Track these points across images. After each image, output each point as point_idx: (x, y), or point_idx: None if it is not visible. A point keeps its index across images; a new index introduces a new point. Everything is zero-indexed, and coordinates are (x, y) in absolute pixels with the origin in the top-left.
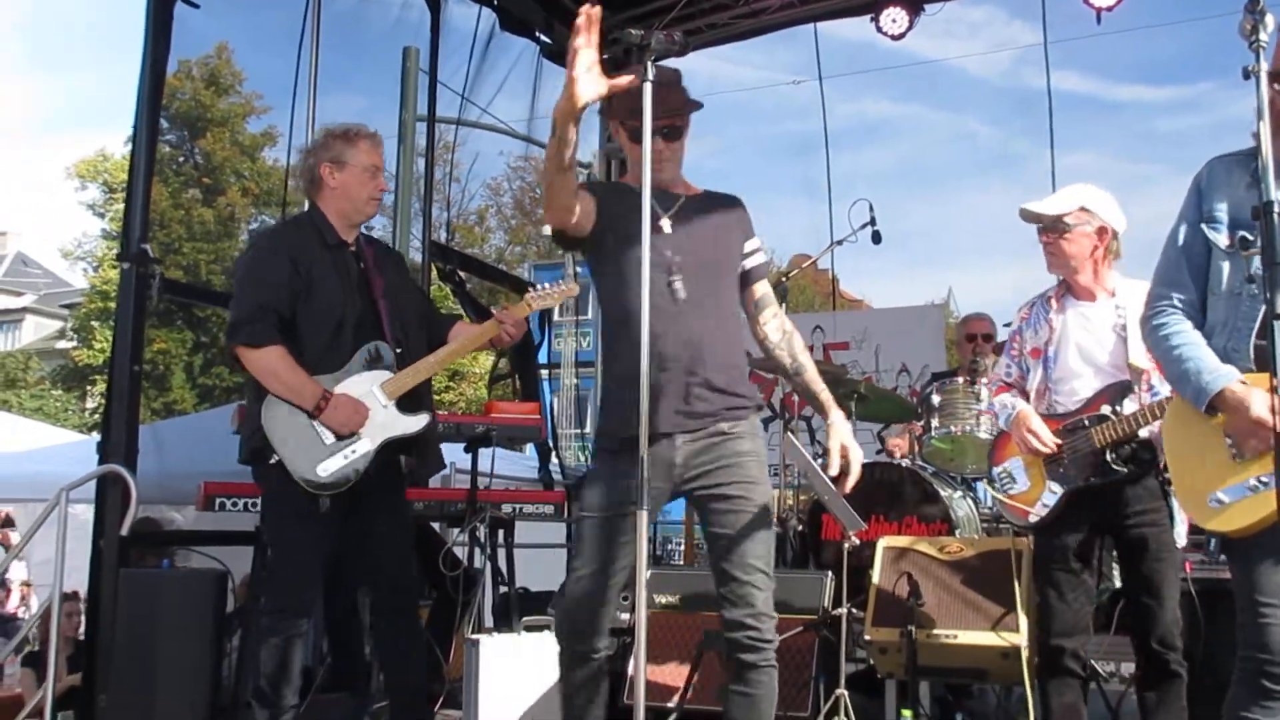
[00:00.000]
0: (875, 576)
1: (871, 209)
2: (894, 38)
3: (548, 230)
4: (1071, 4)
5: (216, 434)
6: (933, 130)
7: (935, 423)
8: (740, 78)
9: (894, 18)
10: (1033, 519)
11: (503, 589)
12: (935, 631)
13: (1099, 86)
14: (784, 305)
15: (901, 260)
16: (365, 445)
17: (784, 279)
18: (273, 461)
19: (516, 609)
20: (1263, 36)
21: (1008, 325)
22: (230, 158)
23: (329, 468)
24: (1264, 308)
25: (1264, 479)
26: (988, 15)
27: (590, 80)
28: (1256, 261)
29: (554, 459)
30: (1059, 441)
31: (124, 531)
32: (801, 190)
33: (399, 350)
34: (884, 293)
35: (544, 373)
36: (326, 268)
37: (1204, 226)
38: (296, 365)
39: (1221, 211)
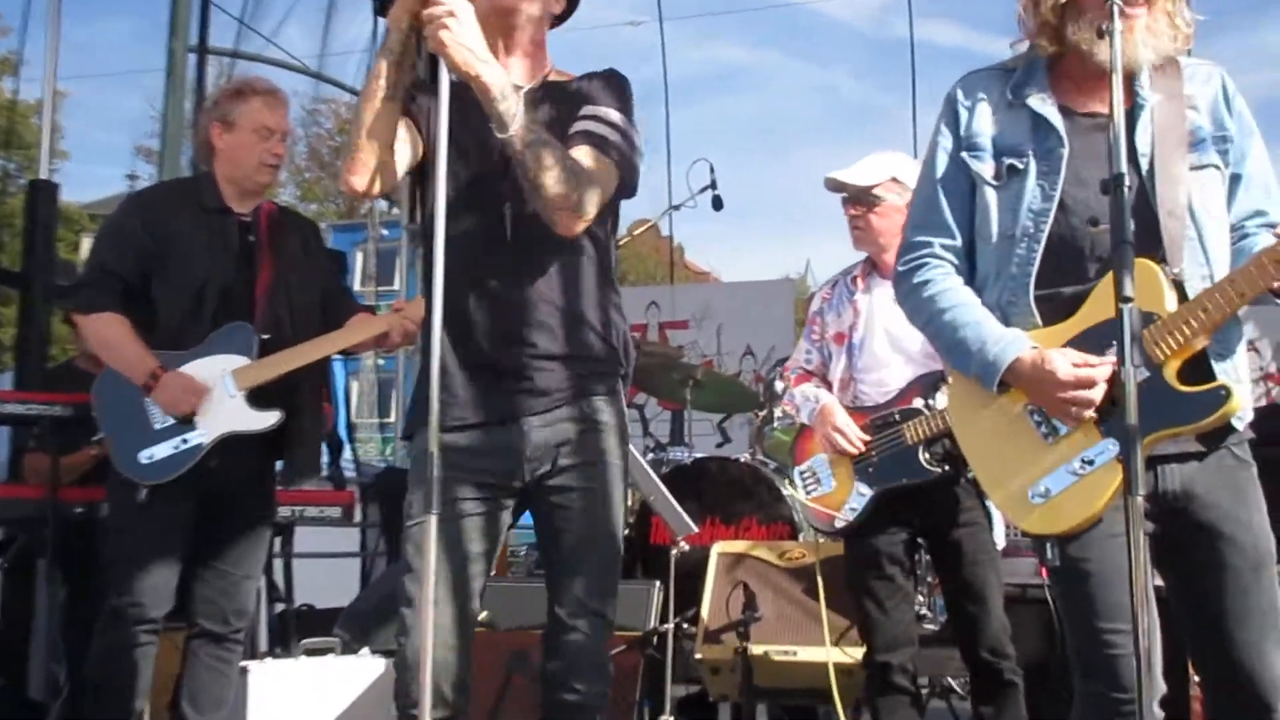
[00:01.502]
0: (708, 587)
1: (712, 170)
2: None
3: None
4: None
5: None
6: (791, 82)
7: (778, 412)
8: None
9: None
10: (838, 523)
11: (279, 606)
12: (773, 648)
13: (970, 38)
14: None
15: (755, 228)
16: (199, 436)
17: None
18: (95, 439)
19: (295, 629)
20: (1118, 2)
21: None
22: None
23: (154, 455)
24: (1056, 253)
25: (1089, 456)
26: None
27: None
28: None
29: (346, 453)
30: (867, 439)
31: None
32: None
33: (267, 336)
34: (735, 265)
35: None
36: (196, 234)
37: (964, 155)
38: (133, 336)
39: (983, 136)
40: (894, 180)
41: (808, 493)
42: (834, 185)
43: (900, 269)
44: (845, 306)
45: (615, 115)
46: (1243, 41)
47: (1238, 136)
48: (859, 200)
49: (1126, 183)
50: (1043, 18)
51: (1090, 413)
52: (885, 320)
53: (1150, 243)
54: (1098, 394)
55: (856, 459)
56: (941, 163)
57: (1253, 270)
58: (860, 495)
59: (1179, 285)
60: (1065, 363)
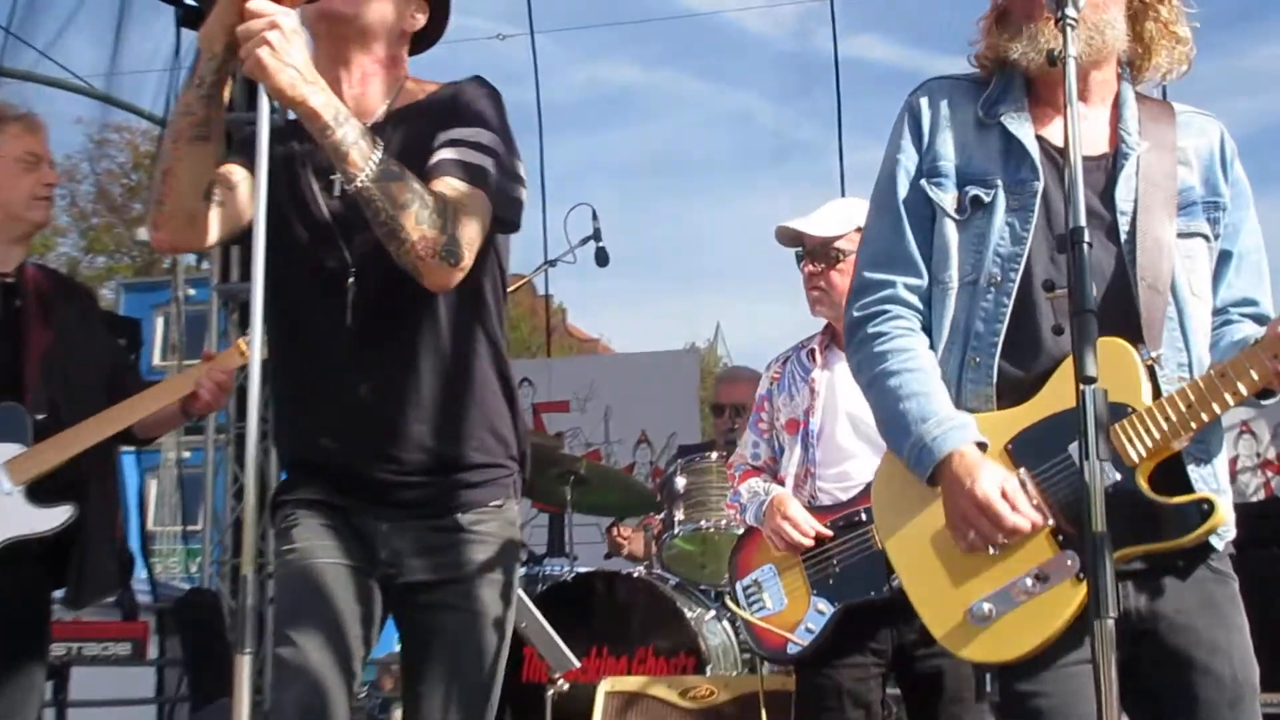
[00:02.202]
0: None
1: (595, 216)
2: None
3: (145, 234)
4: None
5: None
6: (693, 107)
7: (680, 515)
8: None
9: None
10: (792, 649)
11: None
12: None
13: (905, 56)
14: None
15: (653, 286)
16: None
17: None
18: None
19: None
20: (1071, 12)
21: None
22: None
23: None
24: (1016, 314)
25: (1043, 571)
26: None
27: None
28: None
29: (139, 571)
30: (827, 533)
31: None
32: None
33: (42, 417)
34: (629, 330)
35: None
36: None
37: (924, 182)
38: None
39: (946, 159)
40: (859, 231)
41: (753, 611)
42: (788, 237)
43: (855, 314)
44: (799, 387)
45: (485, 135)
46: (1225, 65)
47: (1232, 206)
48: (818, 255)
49: (1086, 239)
50: (988, 40)
51: (980, 546)
52: (848, 403)
53: (1125, 319)
54: (999, 537)
55: (813, 568)
56: (903, 184)
57: (1249, 365)
58: (818, 613)
59: (1153, 373)
60: (992, 482)
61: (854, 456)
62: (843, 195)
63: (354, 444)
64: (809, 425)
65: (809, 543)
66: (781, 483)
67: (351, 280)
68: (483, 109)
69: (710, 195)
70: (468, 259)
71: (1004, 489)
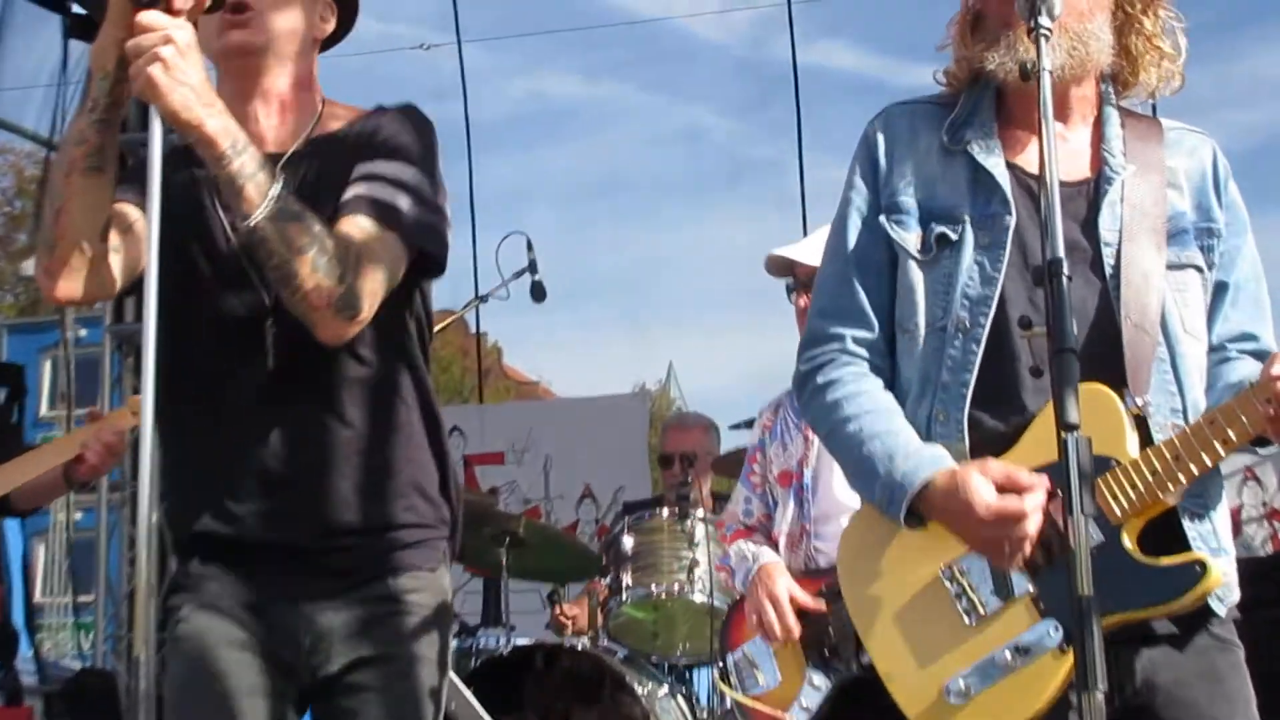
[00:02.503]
0: None
1: (530, 246)
2: None
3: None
4: None
5: None
6: (641, 123)
7: (628, 580)
8: (352, 34)
9: None
10: None
11: None
12: None
13: (870, 64)
14: None
15: (598, 321)
16: None
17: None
18: None
19: None
20: (1045, 21)
21: (747, 425)
22: None
23: None
24: (987, 358)
25: (1024, 642)
26: None
27: None
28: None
29: (24, 648)
30: (820, 608)
31: None
32: None
33: None
34: (572, 370)
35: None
36: None
37: (884, 219)
38: None
39: (907, 194)
40: None
41: (744, 689)
42: (779, 266)
43: (802, 367)
44: (792, 435)
45: (406, 171)
46: (1214, 73)
47: (1227, 233)
48: (811, 286)
49: (1066, 271)
50: (960, 50)
51: (1024, 548)
52: None
53: (1109, 362)
54: (1031, 526)
55: (809, 640)
56: (854, 227)
57: (1241, 411)
58: (815, 688)
59: (1142, 421)
60: (986, 489)
61: (851, 510)
62: (804, 216)
63: (269, 508)
64: (803, 477)
65: (782, 636)
66: (776, 542)
67: (271, 322)
68: (406, 141)
69: (660, 220)
70: (366, 312)
71: (1000, 483)
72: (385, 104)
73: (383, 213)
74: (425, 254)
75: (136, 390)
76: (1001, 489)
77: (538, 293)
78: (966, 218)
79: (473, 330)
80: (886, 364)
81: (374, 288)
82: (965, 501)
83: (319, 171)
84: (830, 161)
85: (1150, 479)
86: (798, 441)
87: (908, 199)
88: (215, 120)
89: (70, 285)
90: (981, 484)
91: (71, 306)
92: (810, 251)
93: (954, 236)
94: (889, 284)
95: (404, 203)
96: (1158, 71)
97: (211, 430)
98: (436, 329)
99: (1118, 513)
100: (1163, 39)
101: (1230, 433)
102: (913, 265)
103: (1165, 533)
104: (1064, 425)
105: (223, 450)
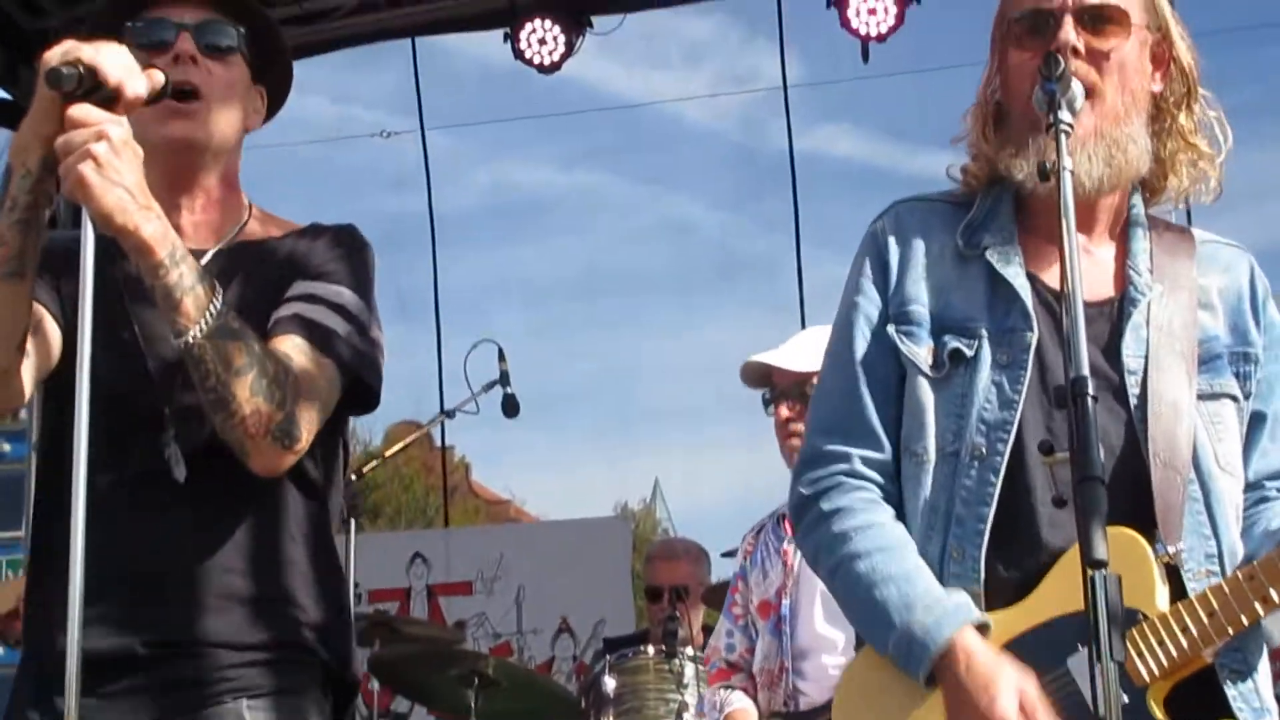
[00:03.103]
0: None
1: (503, 356)
2: (543, 69)
3: None
4: (829, 28)
5: None
6: (625, 216)
7: None
8: (306, 119)
9: (540, 36)
10: None
11: None
12: None
13: (878, 150)
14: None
15: (577, 433)
16: None
17: (358, 472)
18: None
19: None
20: (1065, 117)
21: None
22: None
23: None
24: (1004, 489)
25: None
26: (717, 30)
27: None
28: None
29: None
30: None
31: None
32: (397, 313)
33: None
34: (548, 488)
35: None
36: None
37: (892, 330)
38: None
39: (918, 302)
40: None
41: None
42: (756, 375)
43: (803, 490)
44: (773, 561)
45: (346, 294)
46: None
47: (1265, 357)
48: (793, 395)
49: (1090, 390)
50: (981, 148)
51: None
52: None
53: (1137, 503)
54: None
55: None
56: (860, 334)
57: None
58: None
59: (1174, 570)
60: (1010, 699)
61: (834, 645)
62: (803, 320)
63: (114, 613)
64: (782, 609)
65: None
66: (756, 684)
67: (172, 433)
68: (344, 265)
69: (644, 322)
70: (305, 440)
71: (1023, 700)
72: (321, 223)
73: (321, 338)
74: (361, 385)
75: None
76: (1023, 708)
77: (510, 407)
78: (983, 332)
79: (437, 444)
80: (895, 488)
81: (312, 415)
82: (986, 694)
83: (243, 280)
84: (830, 259)
85: (1182, 638)
86: (778, 568)
87: (919, 308)
88: (152, 225)
89: None
90: (1008, 685)
91: None
92: (789, 357)
93: (969, 352)
94: (897, 400)
95: (342, 329)
96: (1191, 173)
97: (102, 547)
98: (399, 446)
99: (1144, 675)
100: (1199, 135)
101: (1272, 592)
102: (923, 382)
103: (1198, 691)
104: (1090, 562)
105: (104, 562)
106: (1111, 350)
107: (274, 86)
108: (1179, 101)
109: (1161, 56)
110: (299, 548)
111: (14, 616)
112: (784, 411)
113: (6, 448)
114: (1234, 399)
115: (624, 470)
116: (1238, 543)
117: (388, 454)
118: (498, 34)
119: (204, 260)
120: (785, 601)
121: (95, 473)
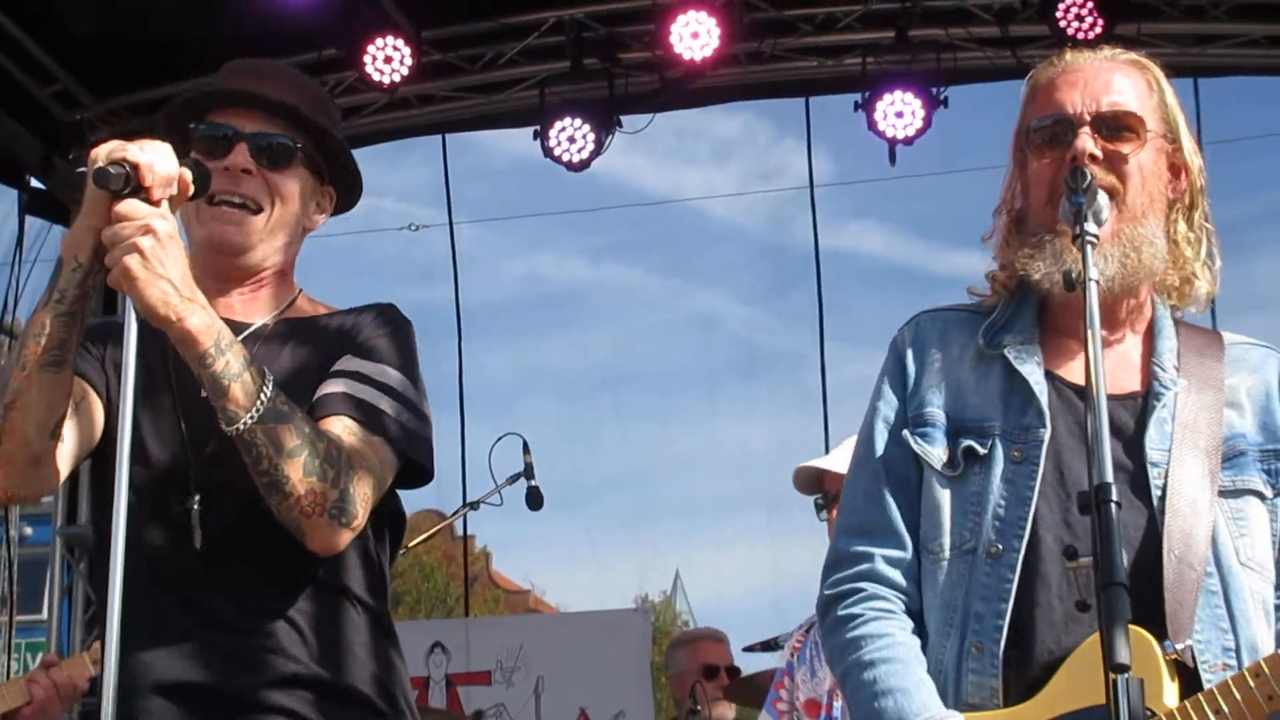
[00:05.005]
0: None
1: (527, 449)
2: (572, 166)
3: None
4: (857, 129)
5: None
6: (650, 310)
7: None
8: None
9: (570, 134)
10: None
11: None
12: None
13: (906, 249)
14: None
15: (599, 525)
16: None
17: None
18: None
19: None
20: (1091, 228)
21: (775, 647)
22: None
23: None
24: (1024, 587)
25: None
26: (745, 129)
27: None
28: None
29: None
30: None
31: None
32: None
33: None
34: (568, 578)
35: None
36: None
37: (908, 434)
38: None
39: (934, 405)
40: None
41: None
42: (808, 480)
43: (826, 592)
44: (822, 661)
45: (391, 373)
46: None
47: None
48: None
49: (1114, 497)
50: (1005, 252)
51: None
52: None
53: (1149, 598)
54: None
55: None
56: (881, 438)
57: None
58: None
59: (1182, 667)
60: None
61: None
62: (826, 415)
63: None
64: (832, 710)
65: None
66: None
67: (197, 507)
68: (389, 343)
69: (668, 415)
70: (361, 518)
71: None
72: (363, 304)
73: (369, 416)
74: (412, 463)
75: (90, 601)
76: None
77: (534, 500)
78: (998, 430)
79: (459, 534)
80: (917, 588)
81: (366, 493)
82: None
83: (289, 356)
84: (855, 355)
85: None
86: (825, 668)
87: (934, 410)
88: (197, 317)
89: (8, 483)
90: None
91: (4, 504)
92: (842, 462)
93: (983, 451)
94: (919, 501)
95: (390, 408)
96: (1209, 276)
97: (158, 636)
98: (422, 537)
99: None
100: (1192, 246)
101: (1278, 689)
102: (938, 482)
103: None
104: (1113, 666)
105: (166, 657)
106: (1134, 443)
107: (343, 187)
108: (1183, 210)
109: (1178, 166)
110: (381, 636)
111: (19, 716)
112: (835, 516)
113: (29, 531)
114: (1260, 496)
115: (645, 562)
116: (1260, 637)
117: (411, 544)
118: (527, 131)
119: (252, 330)
120: (836, 704)
121: (155, 563)
